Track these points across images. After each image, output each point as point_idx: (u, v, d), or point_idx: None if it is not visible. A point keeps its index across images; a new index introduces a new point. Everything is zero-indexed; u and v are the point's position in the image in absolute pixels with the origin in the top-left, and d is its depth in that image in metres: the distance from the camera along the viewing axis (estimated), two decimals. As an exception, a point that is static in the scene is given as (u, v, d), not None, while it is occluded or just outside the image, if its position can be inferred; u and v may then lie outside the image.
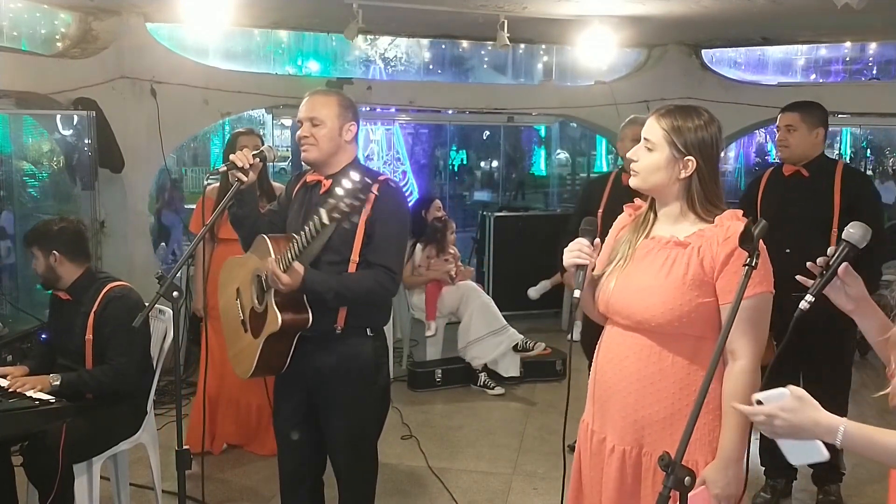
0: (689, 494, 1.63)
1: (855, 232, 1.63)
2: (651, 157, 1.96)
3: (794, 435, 1.50)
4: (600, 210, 3.85)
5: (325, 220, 2.27)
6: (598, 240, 2.02)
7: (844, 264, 1.62)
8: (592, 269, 2.03)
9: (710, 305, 1.90)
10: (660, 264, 1.95)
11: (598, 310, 2.10)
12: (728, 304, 1.84)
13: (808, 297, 1.60)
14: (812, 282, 1.64)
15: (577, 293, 1.93)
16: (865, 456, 1.49)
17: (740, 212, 1.94)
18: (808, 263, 1.65)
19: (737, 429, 1.87)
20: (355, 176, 2.27)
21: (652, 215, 2.06)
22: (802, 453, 1.53)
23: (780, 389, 1.52)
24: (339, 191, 2.25)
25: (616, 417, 2.02)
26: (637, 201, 2.14)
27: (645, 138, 1.98)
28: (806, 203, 3.50)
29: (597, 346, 2.13)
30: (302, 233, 2.38)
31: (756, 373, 1.89)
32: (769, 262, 1.88)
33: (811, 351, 3.39)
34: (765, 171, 3.86)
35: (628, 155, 2.05)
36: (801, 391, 1.51)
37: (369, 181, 2.32)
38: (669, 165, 1.94)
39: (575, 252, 1.97)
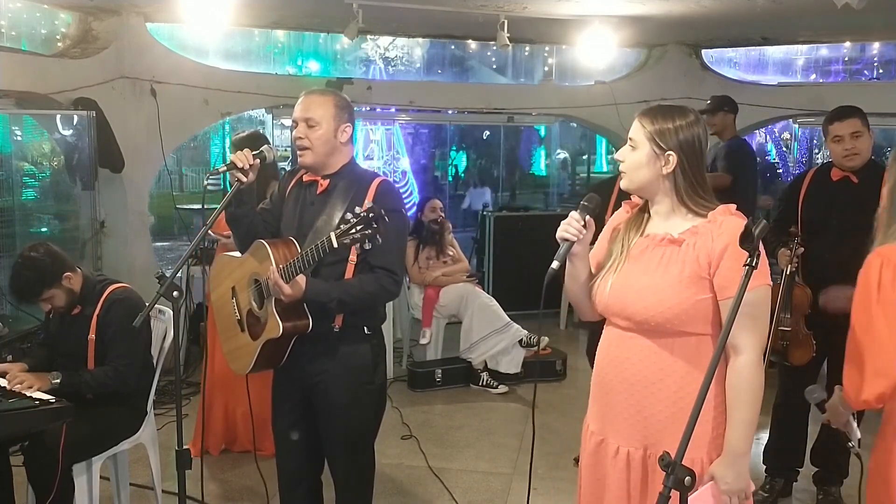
0: (696, 490, 1.72)
1: (817, 395, 2.04)
2: (634, 155, 2.00)
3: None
4: (608, 215, 3.77)
5: (335, 244, 2.33)
6: (589, 217, 2.01)
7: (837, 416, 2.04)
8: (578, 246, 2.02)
9: (709, 302, 1.90)
10: (655, 263, 1.96)
11: (596, 311, 2.09)
12: (726, 300, 1.84)
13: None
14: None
15: (554, 264, 1.94)
16: None
17: (733, 206, 1.95)
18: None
19: (743, 424, 1.88)
20: (369, 203, 2.33)
21: (646, 215, 2.07)
22: None
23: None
24: (351, 217, 2.30)
25: (619, 419, 2.02)
26: (634, 198, 2.14)
27: (629, 138, 2.02)
28: (851, 210, 3.33)
29: (598, 348, 2.13)
30: (308, 251, 2.42)
31: (760, 366, 1.90)
32: (766, 256, 1.88)
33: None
34: (808, 170, 3.72)
35: (615, 155, 2.11)
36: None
37: (382, 210, 2.32)
38: (651, 162, 1.97)
39: (565, 227, 1.98)
